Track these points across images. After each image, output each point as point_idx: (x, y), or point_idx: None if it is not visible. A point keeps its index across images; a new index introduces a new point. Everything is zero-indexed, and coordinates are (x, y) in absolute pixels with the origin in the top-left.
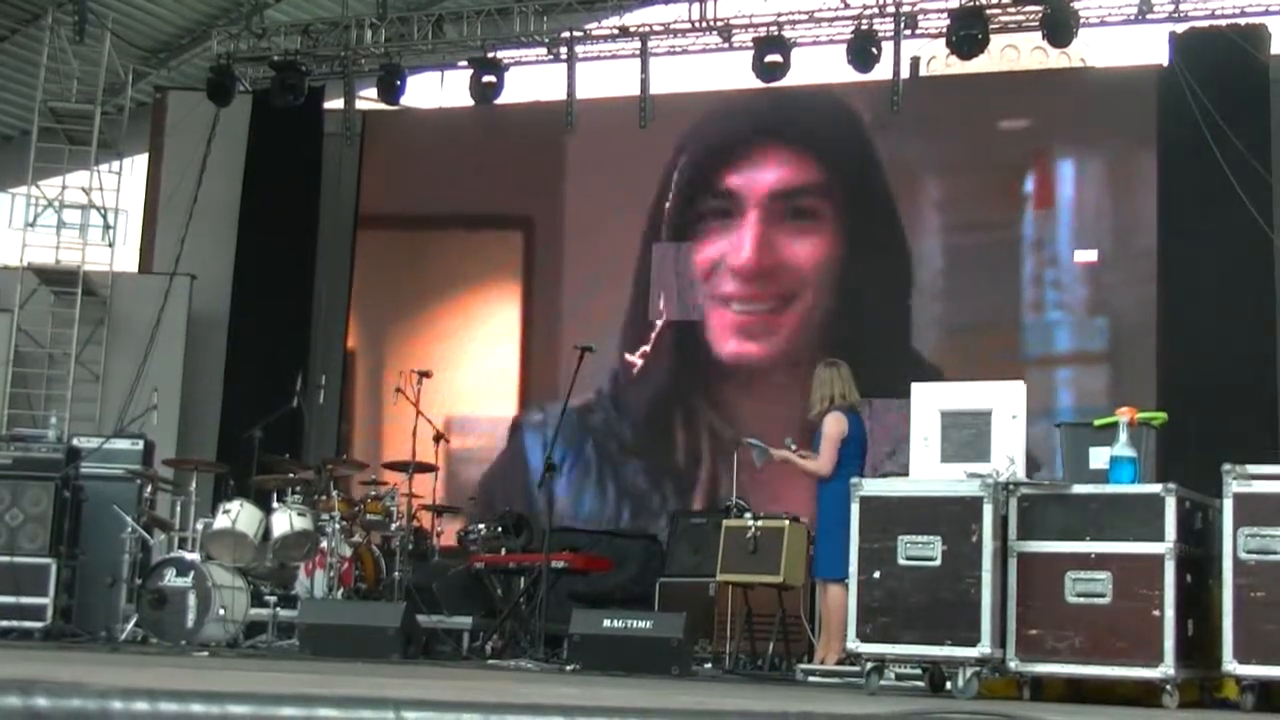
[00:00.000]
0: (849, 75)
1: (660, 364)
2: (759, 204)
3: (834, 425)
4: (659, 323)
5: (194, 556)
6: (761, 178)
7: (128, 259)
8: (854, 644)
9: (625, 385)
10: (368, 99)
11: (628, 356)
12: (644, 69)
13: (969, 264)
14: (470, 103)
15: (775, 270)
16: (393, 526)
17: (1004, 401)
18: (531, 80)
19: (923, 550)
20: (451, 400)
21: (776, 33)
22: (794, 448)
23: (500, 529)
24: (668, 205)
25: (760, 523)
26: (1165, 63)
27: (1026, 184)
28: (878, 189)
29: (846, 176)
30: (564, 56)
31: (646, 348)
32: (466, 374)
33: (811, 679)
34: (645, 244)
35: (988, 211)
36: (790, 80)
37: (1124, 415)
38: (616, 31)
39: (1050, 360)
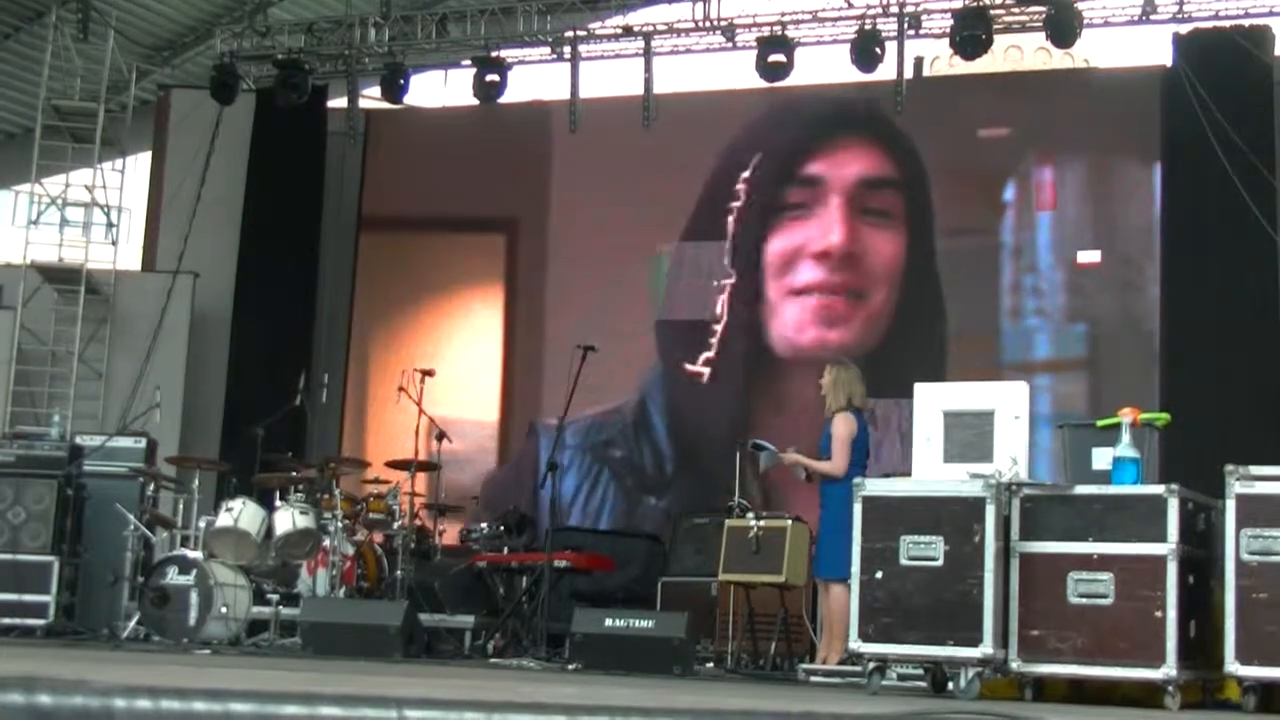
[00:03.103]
0: (852, 75)
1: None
2: (844, 191)
3: (845, 426)
4: (716, 324)
5: (196, 554)
6: (844, 169)
7: (131, 257)
8: (856, 644)
9: (678, 386)
10: (371, 98)
11: (685, 362)
12: (647, 68)
13: (958, 268)
14: (473, 102)
15: (858, 258)
16: (395, 525)
17: (1007, 402)
18: (535, 79)
19: (925, 550)
20: (446, 402)
21: (780, 32)
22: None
23: (502, 528)
24: (738, 204)
25: (762, 522)
26: (1169, 64)
27: (1029, 186)
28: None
29: (913, 174)
30: (567, 56)
31: (709, 353)
32: (467, 375)
33: (813, 679)
34: (657, 243)
35: (983, 215)
36: (795, 80)
37: (1127, 416)
38: (620, 31)
39: (1031, 365)
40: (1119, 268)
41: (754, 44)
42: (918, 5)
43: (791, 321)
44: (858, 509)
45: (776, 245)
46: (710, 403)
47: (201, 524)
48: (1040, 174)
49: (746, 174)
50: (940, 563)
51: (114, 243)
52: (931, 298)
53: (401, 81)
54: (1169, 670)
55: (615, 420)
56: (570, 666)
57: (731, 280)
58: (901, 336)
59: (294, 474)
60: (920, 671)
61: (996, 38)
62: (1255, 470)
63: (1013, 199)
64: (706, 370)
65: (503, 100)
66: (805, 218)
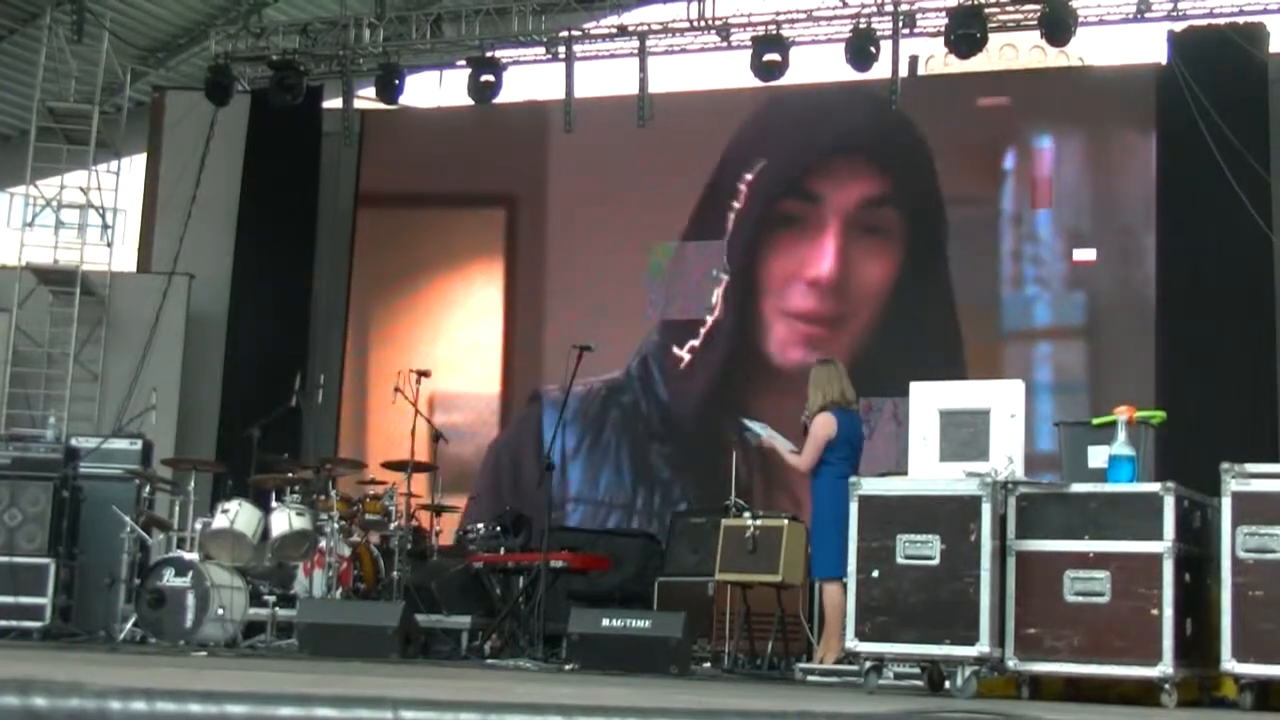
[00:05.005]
0: (847, 74)
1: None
2: (841, 213)
3: (822, 427)
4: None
5: (192, 556)
6: (842, 192)
7: (126, 259)
8: (852, 643)
9: (667, 379)
10: (366, 98)
11: (674, 350)
12: (642, 68)
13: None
14: (468, 102)
15: (847, 286)
16: (391, 526)
17: (1002, 400)
18: (530, 79)
19: (921, 549)
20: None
21: (775, 31)
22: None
23: (499, 528)
24: (737, 206)
25: (759, 522)
26: (1164, 62)
27: (1025, 186)
28: (933, 199)
29: (908, 189)
30: (562, 56)
31: (695, 341)
32: (466, 376)
33: (810, 678)
34: (648, 242)
35: (986, 212)
36: (790, 79)
37: (1122, 414)
38: (615, 31)
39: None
40: (1115, 266)
41: (749, 43)
42: (912, 4)
43: (778, 340)
44: (854, 508)
45: (772, 262)
46: (694, 387)
47: (198, 525)
48: (1036, 173)
49: (750, 176)
50: (936, 561)
51: (109, 244)
52: (938, 298)
53: (396, 82)
54: (1165, 668)
55: (617, 382)
56: (567, 667)
57: (728, 278)
58: (892, 341)
59: (290, 475)
60: (917, 670)
61: (991, 36)
62: (1251, 468)
63: (1010, 195)
64: (687, 356)
65: (498, 100)
66: (801, 236)
